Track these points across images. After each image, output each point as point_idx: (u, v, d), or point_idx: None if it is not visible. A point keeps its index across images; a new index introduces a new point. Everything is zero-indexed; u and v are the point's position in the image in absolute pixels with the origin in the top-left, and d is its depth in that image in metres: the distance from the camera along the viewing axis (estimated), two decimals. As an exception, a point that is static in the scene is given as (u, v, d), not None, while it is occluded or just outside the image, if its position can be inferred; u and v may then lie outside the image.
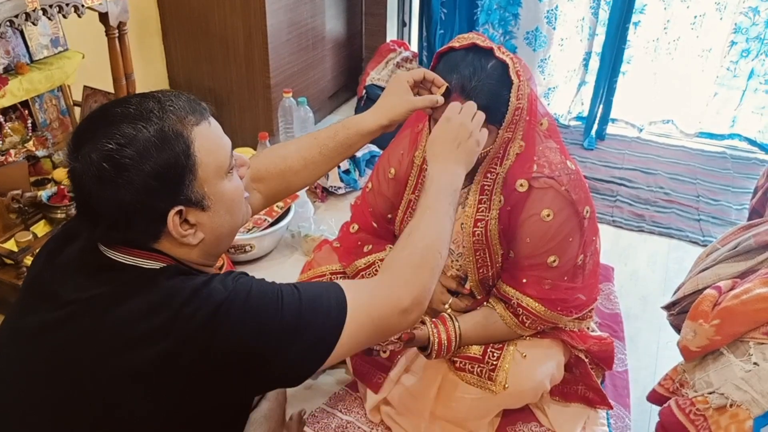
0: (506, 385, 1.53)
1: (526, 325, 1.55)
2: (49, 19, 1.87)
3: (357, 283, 1.11)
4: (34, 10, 1.80)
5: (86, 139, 0.88)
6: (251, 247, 2.27)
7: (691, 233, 2.57)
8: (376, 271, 1.65)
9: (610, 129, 3.39)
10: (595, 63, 3.29)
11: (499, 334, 1.58)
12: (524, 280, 1.54)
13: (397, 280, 1.06)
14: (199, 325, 0.87)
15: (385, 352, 1.44)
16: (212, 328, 0.88)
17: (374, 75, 3.44)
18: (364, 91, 3.34)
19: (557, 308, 1.54)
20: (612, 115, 3.36)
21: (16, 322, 0.97)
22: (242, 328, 0.90)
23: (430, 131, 1.55)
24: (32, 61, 2.19)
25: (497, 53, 1.41)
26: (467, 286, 1.64)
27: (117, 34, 2.13)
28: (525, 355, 1.56)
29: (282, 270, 2.31)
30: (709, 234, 2.55)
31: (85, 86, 2.36)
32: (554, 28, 3.31)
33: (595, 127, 3.33)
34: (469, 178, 1.56)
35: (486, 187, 1.52)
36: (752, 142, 3.32)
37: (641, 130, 3.46)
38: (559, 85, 3.47)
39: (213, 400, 0.92)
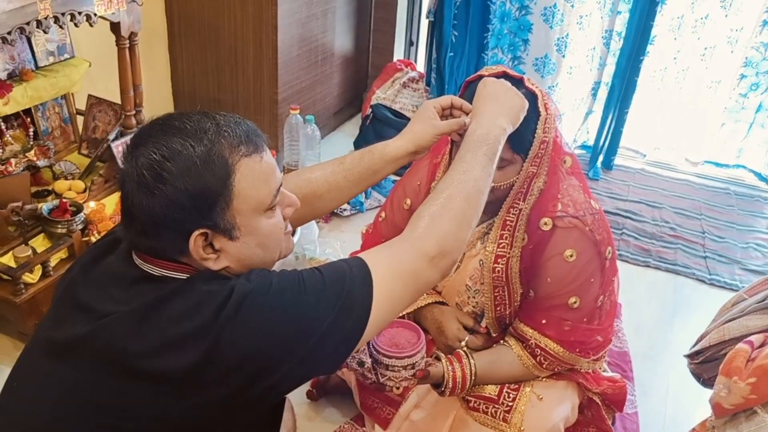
0: (522, 428, 1.48)
1: (544, 366, 1.51)
2: (60, 27, 1.82)
3: (376, 248, 1.07)
4: (46, 18, 1.75)
5: (140, 143, 0.90)
6: (254, 267, 2.21)
7: (698, 271, 2.55)
8: None
9: (616, 159, 3.37)
10: (603, 93, 3.28)
11: (514, 374, 1.53)
12: (543, 321, 1.50)
13: (418, 230, 1.03)
14: (229, 319, 0.87)
15: (398, 388, 1.39)
16: (241, 319, 0.88)
17: (380, 94, 3.41)
18: (371, 110, 3.30)
19: (576, 350, 1.50)
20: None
21: (50, 334, 0.96)
22: (269, 315, 0.90)
23: (450, 160, 1.52)
24: (37, 68, 2.13)
25: (527, 84, 1.39)
26: (483, 324, 1.59)
27: (128, 45, 2.08)
28: (541, 397, 1.52)
29: (284, 292, 2.26)
30: (716, 272, 2.53)
31: (89, 95, 2.30)
32: (564, 56, 3.29)
33: (601, 157, 3.31)
34: (489, 212, 1.53)
35: (509, 223, 1.48)
36: (759, 176, 3.33)
37: (645, 156, 3.45)
38: (565, 112, 3.45)
39: (249, 397, 0.91)
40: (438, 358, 1.49)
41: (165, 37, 2.90)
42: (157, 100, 2.96)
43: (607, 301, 1.59)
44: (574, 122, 3.47)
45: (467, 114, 1.34)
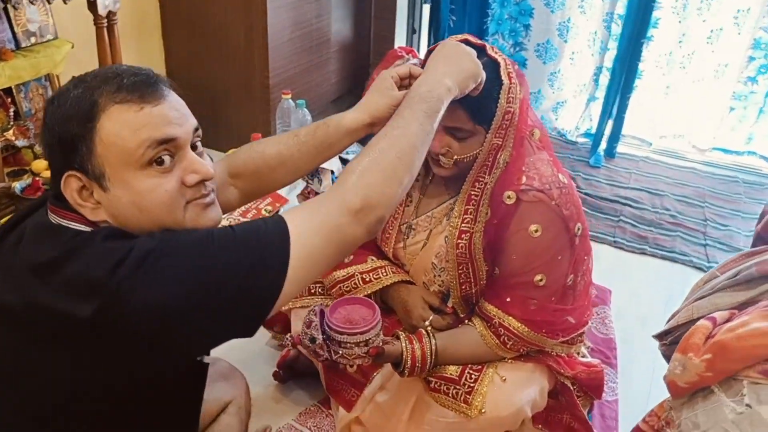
0: (483, 410, 1.43)
1: (508, 346, 1.45)
2: (31, 3, 1.81)
3: (300, 204, 1.03)
4: (15, -7, 1.74)
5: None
6: (234, 250, 2.18)
7: (696, 258, 2.46)
8: (355, 284, 1.56)
9: (620, 147, 3.28)
10: (605, 78, 3.19)
11: (478, 355, 1.48)
12: (508, 299, 1.44)
13: (343, 185, 0.97)
14: (126, 277, 0.82)
15: (352, 366, 1.34)
16: (141, 277, 0.83)
17: (380, 81, 3.36)
18: (369, 96, 3.25)
19: (542, 330, 1.45)
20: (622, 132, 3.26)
21: None
22: (173, 271, 0.85)
23: None
24: (18, 48, 2.13)
25: (489, 51, 1.34)
26: (450, 304, 1.54)
27: (105, 24, 2.06)
28: (505, 379, 1.46)
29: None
30: (715, 260, 2.44)
31: (73, 76, 2.29)
32: (566, 41, 3.22)
33: (604, 144, 3.22)
34: (456, 188, 1.48)
35: (473, 197, 1.43)
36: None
37: (650, 145, 3.35)
38: (568, 99, 3.37)
39: (157, 358, 0.88)
40: (397, 337, 1.44)
41: (159, 25, 2.89)
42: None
43: (580, 281, 1.53)
44: (576, 109, 3.39)
45: None
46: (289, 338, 1.45)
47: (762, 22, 2.97)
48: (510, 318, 1.43)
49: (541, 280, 1.42)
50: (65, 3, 1.90)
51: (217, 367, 1.41)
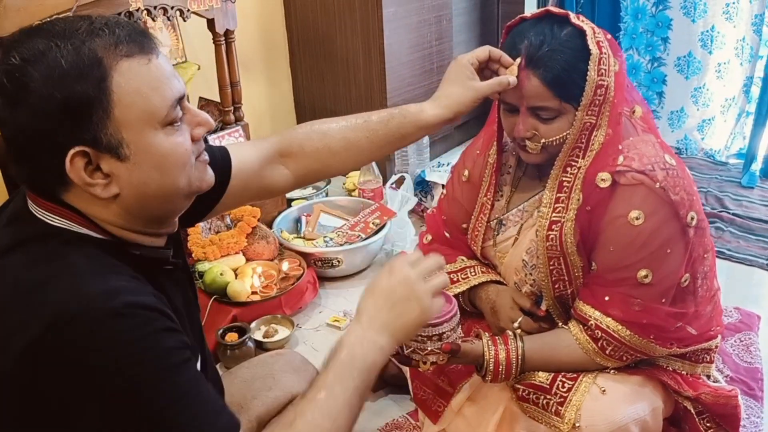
0: (577, 424, 1.25)
1: (607, 352, 1.27)
2: (152, 20, 1.94)
3: None
4: (137, 10, 1.87)
5: (6, 49, 0.77)
6: (339, 261, 2.16)
7: None
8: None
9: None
10: (756, 90, 2.86)
11: (573, 362, 1.31)
12: (606, 298, 1.27)
13: None
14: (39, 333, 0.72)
15: (425, 363, 1.23)
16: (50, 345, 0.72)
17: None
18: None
19: (649, 335, 1.26)
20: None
21: None
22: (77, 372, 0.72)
23: (499, 120, 1.37)
24: (150, 70, 2.29)
25: (573, 19, 1.22)
26: (543, 306, 1.39)
27: (224, 42, 2.17)
28: (605, 390, 1.27)
29: (370, 290, 2.18)
30: None
31: (200, 97, 2.43)
32: (710, 52, 2.94)
33: (759, 163, 2.86)
34: (545, 173, 1.34)
35: (565, 184, 1.29)
36: None
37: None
38: (715, 116, 3.06)
39: None
40: (479, 336, 1.31)
41: (286, 52, 3.01)
42: (280, 114, 3.07)
43: (702, 284, 1.33)
44: (725, 126, 3.06)
45: (506, 68, 1.21)
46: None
47: None
48: (608, 319, 1.26)
49: (646, 276, 1.24)
50: (184, 20, 2.01)
51: (289, 358, 1.36)
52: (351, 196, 2.63)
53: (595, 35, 1.21)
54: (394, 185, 2.51)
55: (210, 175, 0.92)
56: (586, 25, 1.22)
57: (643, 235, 1.23)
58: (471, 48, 3.18)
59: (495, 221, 1.45)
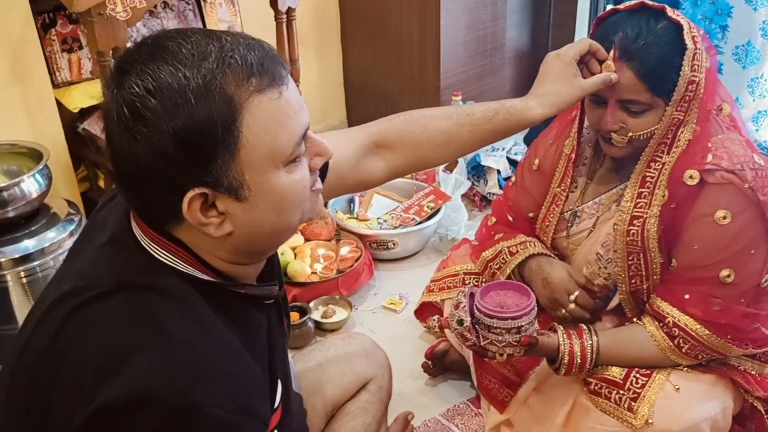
0: (650, 420, 1.26)
1: (683, 350, 1.28)
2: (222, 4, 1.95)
3: None
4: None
5: (125, 70, 0.71)
6: (394, 244, 2.18)
7: None
8: (503, 259, 1.47)
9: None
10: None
11: (647, 358, 1.31)
12: (686, 296, 1.27)
13: None
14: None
15: (501, 355, 1.25)
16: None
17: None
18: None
19: (727, 336, 1.26)
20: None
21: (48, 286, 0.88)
22: None
23: (582, 114, 1.36)
24: (210, 45, 2.30)
25: (669, 13, 1.20)
26: (616, 300, 1.40)
27: (285, 20, 2.17)
28: (678, 388, 1.28)
29: (425, 273, 2.17)
30: None
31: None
32: (772, 42, 2.86)
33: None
34: (628, 172, 1.33)
35: (648, 179, 1.29)
36: None
37: None
38: (773, 109, 3.00)
39: None
40: (554, 330, 1.32)
41: (338, 29, 3.00)
42: (330, 92, 3.07)
43: None
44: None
45: (601, 62, 1.21)
46: (437, 320, 1.38)
47: None
48: (687, 317, 1.26)
49: (728, 276, 1.23)
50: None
51: (360, 341, 1.37)
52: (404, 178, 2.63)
53: (690, 30, 1.20)
54: (446, 168, 2.50)
55: (320, 204, 0.88)
56: (682, 19, 1.21)
57: (728, 235, 1.22)
58: (525, 31, 3.19)
59: (569, 213, 1.45)
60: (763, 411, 1.35)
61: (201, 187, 0.72)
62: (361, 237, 2.16)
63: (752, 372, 1.36)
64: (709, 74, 1.23)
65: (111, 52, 1.71)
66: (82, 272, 0.80)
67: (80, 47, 1.93)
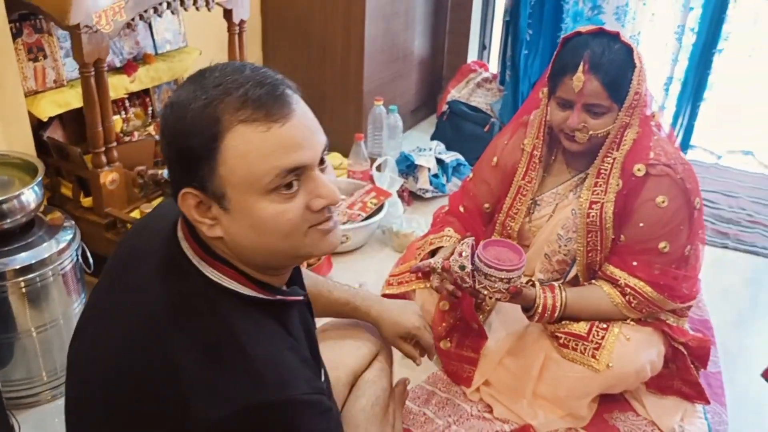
0: (610, 364, 1.57)
1: (632, 305, 1.60)
2: (185, 9, 2.04)
3: None
4: (174, 0, 1.97)
5: (183, 84, 0.87)
6: (347, 237, 2.37)
7: (778, 252, 2.58)
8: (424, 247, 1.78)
9: (689, 155, 3.40)
10: (675, 89, 3.33)
11: (603, 310, 1.63)
12: (634, 263, 1.59)
13: None
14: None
15: (491, 298, 1.53)
16: None
17: (455, 93, 3.56)
18: (447, 106, 3.45)
19: (665, 293, 1.59)
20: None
21: (95, 297, 0.98)
22: None
23: (544, 115, 1.64)
24: (157, 54, 2.36)
25: (622, 38, 1.52)
26: (573, 271, 1.70)
27: (237, 31, 2.29)
28: (629, 338, 1.61)
29: (373, 263, 2.40)
30: (796, 254, 2.55)
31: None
32: (644, 4, 3.24)
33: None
34: (578, 167, 1.65)
35: (603, 172, 1.60)
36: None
37: (720, 158, 3.48)
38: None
39: None
40: (533, 284, 1.60)
41: (259, 34, 3.11)
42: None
43: (693, 254, 1.67)
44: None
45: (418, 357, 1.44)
46: (439, 263, 1.59)
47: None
48: (635, 279, 1.58)
49: (665, 247, 1.57)
50: (209, 11, 2.12)
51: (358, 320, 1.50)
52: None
53: (637, 52, 1.52)
54: (377, 168, 2.73)
55: (329, 244, 0.91)
56: (631, 43, 1.54)
57: (666, 215, 1.56)
58: (426, 39, 3.49)
59: (530, 202, 1.74)
60: (685, 352, 1.71)
61: (190, 188, 0.83)
62: (317, 233, 2.33)
63: (675, 324, 1.71)
64: (647, 89, 1.57)
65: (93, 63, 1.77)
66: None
67: (45, 56, 1.94)
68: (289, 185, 0.83)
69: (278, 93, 0.82)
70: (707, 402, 1.74)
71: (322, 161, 0.88)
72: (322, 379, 1.05)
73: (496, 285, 1.48)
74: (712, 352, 1.98)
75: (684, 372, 1.72)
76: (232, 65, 0.85)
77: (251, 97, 0.80)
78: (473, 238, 1.60)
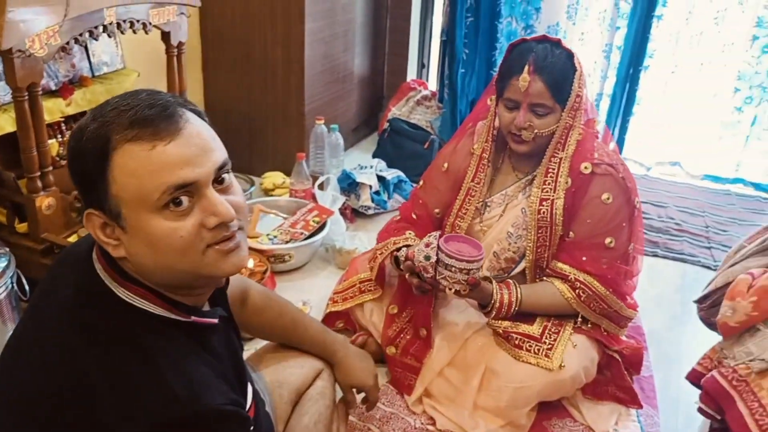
0: (562, 364, 1.63)
1: (582, 299, 1.67)
2: (122, 33, 2.03)
3: None
4: (110, 24, 1.96)
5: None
6: (290, 257, 2.38)
7: (703, 258, 2.71)
8: (386, 248, 1.82)
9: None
10: (605, 104, 3.48)
11: (555, 305, 1.70)
12: (584, 258, 1.68)
13: None
14: None
15: (451, 289, 1.56)
16: None
17: (395, 111, 3.63)
18: (388, 124, 3.52)
19: (610, 289, 1.67)
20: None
21: (18, 326, 1.00)
22: None
23: (491, 119, 1.72)
24: (94, 76, 2.34)
25: (564, 44, 1.62)
26: (521, 266, 1.76)
27: (176, 53, 2.29)
28: (575, 345, 1.68)
29: (317, 281, 2.42)
30: (720, 259, 2.68)
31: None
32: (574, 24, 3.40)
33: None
34: (525, 168, 1.75)
35: (551, 171, 1.68)
36: (758, 186, 3.47)
37: (649, 169, 3.63)
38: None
39: None
40: (490, 281, 1.66)
41: (199, 55, 3.11)
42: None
43: (634, 253, 1.74)
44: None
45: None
46: (403, 254, 1.65)
47: (744, 57, 3.30)
48: (584, 274, 1.66)
49: (611, 242, 1.66)
50: (147, 33, 2.12)
51: None
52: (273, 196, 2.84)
53: (577, 57, 1.62)
54: (319, 186, 2.75)
55: (230, 264, 0.91)
56: (573, 48, 1.64)
57: (611, 212, 1.65)
58: (367, 59, 3.56)
59: (481, 203, 1.80)
60: (619, 359, 1.79)
61: (92, 208, 0.87)
62: (260, 252, 2.34)
63: (613, 332, 1.78)
64: (587, 95, 1.67)
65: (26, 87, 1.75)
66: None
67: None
68: (179, 202, 0.85)
69: (167, 112, 0.84)
70: (640, 406, 1.82)
71: (221, 180, 0.90)
72: (249, 397, 1.07)
73: (456, 276, 1.53)
74: (644, 358, 2.09)
75: (618, 378, 1.80)
76: (132, 92, 0.89)
77: (139, 117, 0.83)
78: (439, 232, 1.66)
